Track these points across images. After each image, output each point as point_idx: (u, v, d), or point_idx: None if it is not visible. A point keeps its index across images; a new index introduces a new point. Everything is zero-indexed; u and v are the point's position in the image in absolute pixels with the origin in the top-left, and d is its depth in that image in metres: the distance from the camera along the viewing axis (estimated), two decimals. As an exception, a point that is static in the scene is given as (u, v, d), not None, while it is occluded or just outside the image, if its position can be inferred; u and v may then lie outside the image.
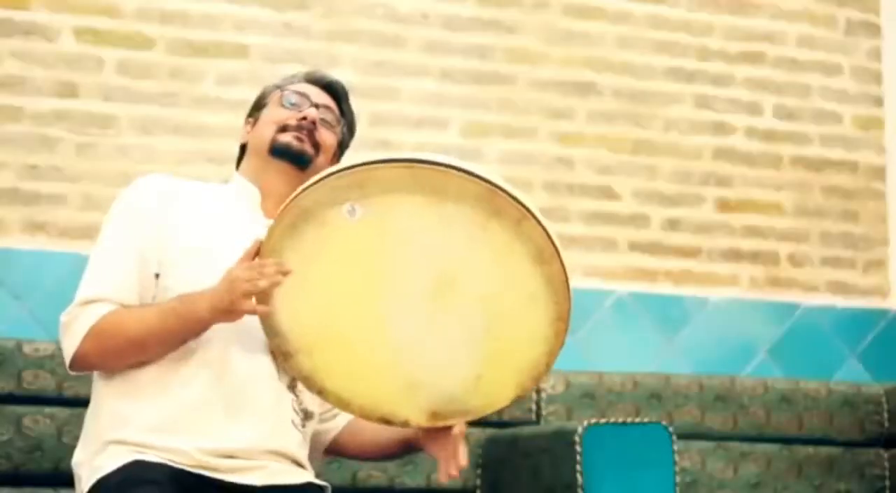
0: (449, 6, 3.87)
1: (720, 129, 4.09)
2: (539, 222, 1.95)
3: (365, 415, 2.19)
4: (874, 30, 4.30)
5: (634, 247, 3.95)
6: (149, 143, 3.52)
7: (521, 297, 2.00)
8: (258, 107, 2.40)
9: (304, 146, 2.29)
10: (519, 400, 2.15)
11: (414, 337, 2.04)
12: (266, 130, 2.32)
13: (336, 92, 2.40)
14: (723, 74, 4.11)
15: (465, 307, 2.00)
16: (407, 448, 2.31)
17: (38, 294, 3.29)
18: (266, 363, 2.18)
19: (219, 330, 2.14)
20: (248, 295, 2.03)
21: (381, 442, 2.35)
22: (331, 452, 2.41)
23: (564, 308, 2.02)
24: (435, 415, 2.13)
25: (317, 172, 2.24)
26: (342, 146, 2.42)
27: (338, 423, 2.39)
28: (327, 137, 2.34)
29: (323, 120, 2.33)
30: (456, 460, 2.16)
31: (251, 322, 2.12)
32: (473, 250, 1.95)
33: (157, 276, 2.19)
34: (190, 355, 2.15)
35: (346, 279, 2.02)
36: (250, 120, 2.40)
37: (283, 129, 2.30)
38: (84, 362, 2.17)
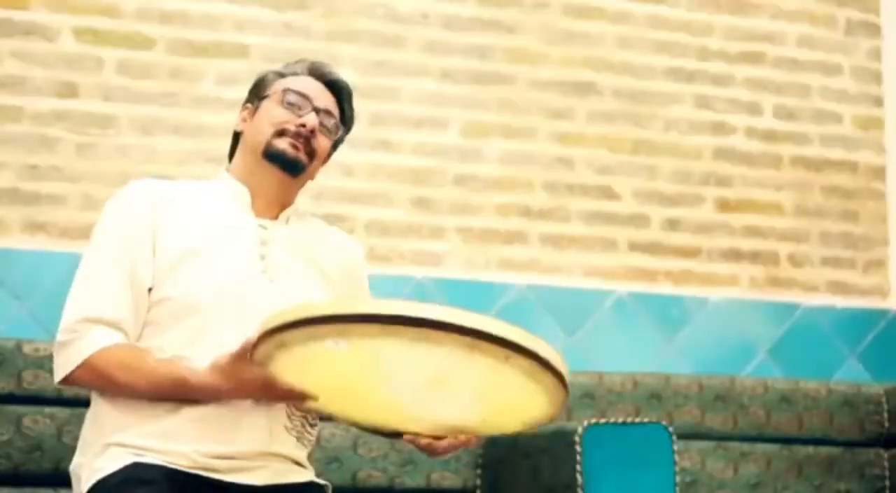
0: (449, 6, 3.87)
1: (720, 129, 4.09)
2: (528, 353, 1.82)
3: (372, 431, 2.21)
4: (874, 30, 4.30)
5: (634, 247, 3.95)
6: (149, 143, 3.53)
7: (515, 394, 1.92)
8: (257, 94, 2.34)
9: (299, 154, 2.26)
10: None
11: (411, 400, 1.99)
12: (263, 129, 2.27)
13: (339, 91, 2.35)
14: (723, 74, 4.11)
15: (459, 398, 1.95)
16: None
17: (38, 294, 3.30)
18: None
19: (217, 347, 2.11)
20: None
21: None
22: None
23: (560, 399, 1.92)
24: (442, 431, 2.09)
25: (305, 178, 2.30)
26: (336, 143, 2.38)
27: None
28: (323, 144, 2.30)
29: (322, 126, 2.28)
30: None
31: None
32: (463, 369, 1.87)
33: (150, 290, 2.17)
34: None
35: (339, 375, 1.97)
36: (248, 106, 2.34)
37: (281, 133, 2.25)
38: (74, 384, 2.17)
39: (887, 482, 3.72)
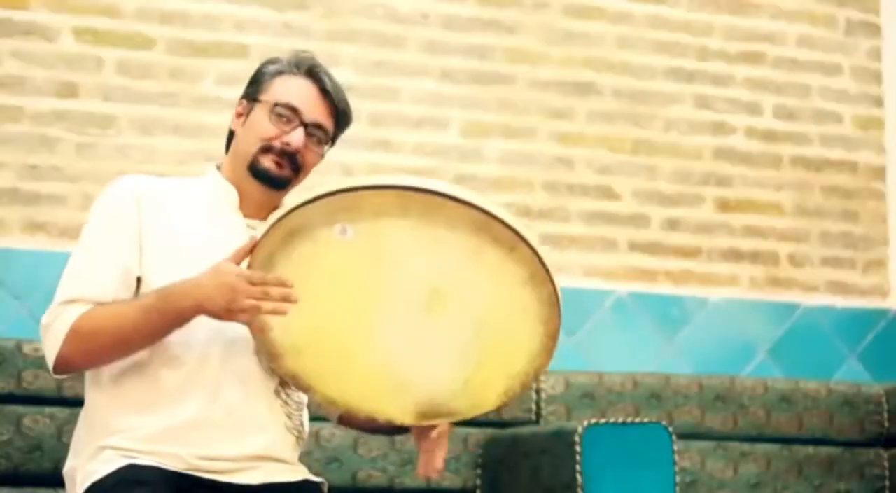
0: (449, 6, 3.87)
1: (720, 129, 4.10)
2: (532, 248, 1.93)
3: (351, 413, 2.20)
4: (874, 30, 4.30)
5: (634, 247, 3.95)
6: (149, 143, 3.53)
7: (512, 313, 1.99)
8: (254, 91, 2.28)
9: (283, 172, 2.22)
10: (502, 407, 2.13)
11: (403, 344, 2.03)
12: (250, 141, 2.23)
13: (333, 100, 2.26)
14: (723, 74, 4.12)
15: (456, 320, 1.99)
16: (400, 430, 2.27)
17: (38, 294, 3.29)
18: (258, 378, 2.16)
19: (210, 344, 2.12)
20: (247, 313, 2.01)
21: (375, 426, 2.33)
22: (342, 423, 2.38)
23: (554, 326, 2.00)
24: (420, 415, 2.11)
25: (296, 185, 2.26)
26: (333, 140, 2.31)
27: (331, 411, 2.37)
28: (312, 157, 2.25)
29: (310, 138, 2.23)
30: (433, 462, 2.15)
31: (242, 332, 2.10)
32: (465, 270, 1.93)
33: (139, 280, 2.16)
34: (180, 367, 2.13)
35: (337, 292, 2.00)
36: (243, 103, 2.29)
37: (267, 149, 2.21)
38: (67, 364, 2.13)
39: (887, 482, 3.73)
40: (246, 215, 2.25)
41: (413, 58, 3.82)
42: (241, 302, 2.00)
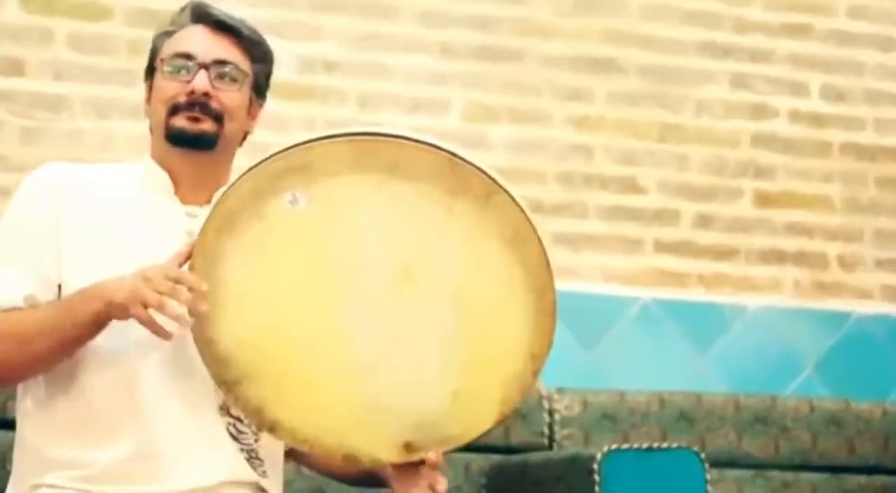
0: (449, -29, 3.86)
1: (760, 112, 4.10)
2: (510, 196, 1.92)
3: (327, 453, 2.15)
4: (936, -2, 4.30)
5: (661, 247, 3.95)
6: (105, 127, 3.52)
7: (497, 289, 1.96)
8: (151, 64, 2.27)
9: (202, 126, 2.19)
10: (502, 422, 2.10)
11: (377, 349, 2.00)
12: (157, 110, 2.22)
13: (230, 28, 2.24)
14: (763, 50, 4.12)
15: (435, 306, 1.97)
16: (371, 480, 2.26)
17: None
18: (203, 393, 2.13)
19: (143, 357, 2.10)
20: (148, 306, 1.98)
21: (352, 472, 2.31)
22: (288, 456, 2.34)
23: (548, 299, 1.98)
24: (408, 447, 2.07)
25: (228, 145, 2.24)
26: (259, 87, 2.30)
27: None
28: (229, 99, 2.21)
29: (219, 80, 2.20)
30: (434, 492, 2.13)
31: (190, 356, 2.09)
32: (438, 236, 1.93)
33: (59, 287, 2.14)
34: (112, 384, 2.10)
35: (293, 284, 1.98)
36: (147, 85, 2.28)
37: (174, 109, 2.19)
38: None
39: (948, 515, 3.73)
40: (184, 202, 2.22)
41: (407, 30, 3.81)
42: (146, 293, 1.98)
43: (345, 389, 2.04)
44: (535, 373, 2.05)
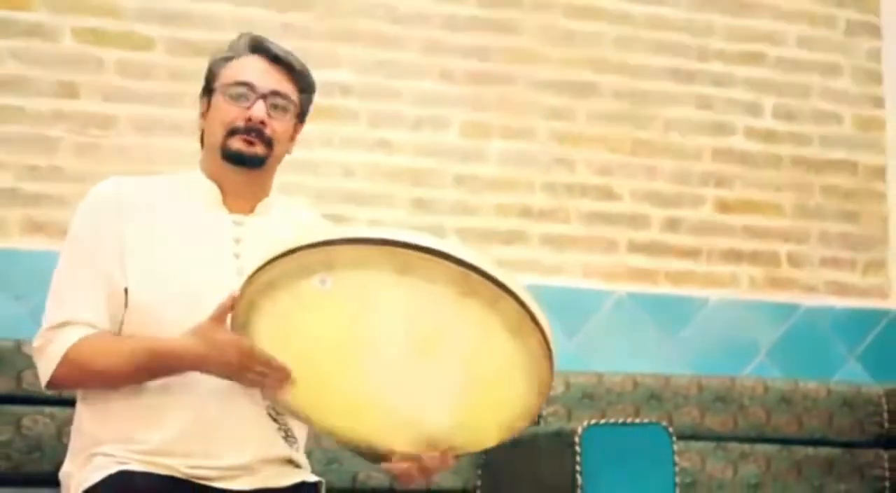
0: (448, 6, 3.86)
1: (720, 129, 4.10)
2: (517, 299, 1.84)
3: (350, 446, 2.16)
4: (874, 31, 4.30)
5: (634, 247, 3.95)
6: (149, 143, 3.52)
7: (501, 365, 1.91)
8: (208, 85, 2.28)
9: (255, 149, 2.20)
10: (506, 440, 2.09)
11: (394, 384, 1.96)
12: (216, 131, 2.22)
13: (284, 62, 2.24)
14: (723, 75, 4.11)
15: (445, 366, 1.92)
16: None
17: (38, 295, 3.27)
18: (246, 393, 2.12)
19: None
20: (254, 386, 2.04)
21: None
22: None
23: (545, 380, 1.92)
24: (422, 446, 2.05)
25: (273, 164, 2.25)
26: (301, 114, 2.30)
27: None
28: (279, 127, 2.22)
29: (273, 109, 2.21)
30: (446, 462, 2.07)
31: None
32: (450, 321, 1.86)
33: (126, 290, 2.13)
34: (166, 388, 2.11)
35: (323, 340, 1.96)
36: (203, 100, 2.29)
37: (232, 132, 2.19)
38: (59, 386, 2.15)
39: (887, 483, 3.73)
40: (231, 211, 2.23)
41: (413, 58, 3.81)
42: (243, 380, 2.02)
43: (366, 406, 2.02)
44: (531, 421, 2.02)
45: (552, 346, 1.89)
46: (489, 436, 2.04)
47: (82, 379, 2.12)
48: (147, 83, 3.55)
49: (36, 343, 2.15)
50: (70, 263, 2.18)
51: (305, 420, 2.13)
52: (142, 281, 2.12)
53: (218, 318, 2.00)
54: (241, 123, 2.19)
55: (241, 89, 2.20)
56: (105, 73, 3.52)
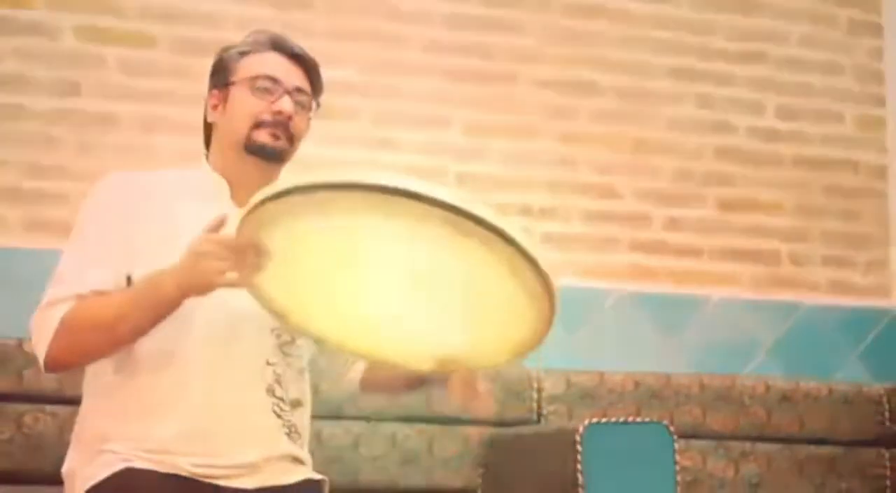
0: (451, 5, 3.86)
1: (722, 128, 4.09)
2: (509, 239, 1.80)
3: (370, 363, 2.17)
4: (876, 29, 4.29)
5: (636, 246, 3.95)
6: (150, 141, 3.51)
7: (499, 303, 1.90)
8: (222, 79, 2.24)
9: (280, 143, 2.19)
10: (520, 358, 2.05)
11: (402, 309, 1.97)
12: (240, 123, 2.19)
13: (306, 62, 2.24)
14: (724, 74, 4.10)
15: (447, 297, 1.92)
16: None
17: (40, 293, 3.28)
18: (250, 380, 2.13)
19: (201, 349, 2.10)
20: (221, 274, 1.96)
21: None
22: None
23: (546, 312, 1.88)
24: (439, 364, 2.04)
25: (288, 161, 2.23)
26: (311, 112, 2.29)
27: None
28: (301, 124, 2.22)
29: (296, 105, 2.20)
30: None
31: (240, 340, 2.10)
32: (444, 260, 1.84)
33: (129, 279, 2.13)
34: (170, 376, 2.10)
35: (324, 266, 1.94)
36: (215, 93, 2.26)
37: (259, 124, 2.18)
38: (56, 360, 2.11)
39: (888, 482, 3.73)
40: (239, 205, 2.15)
41: (415, 57, 3.80)
42: (211, 265, 1.95)
43: (377, 325, 2.03)
44: (535, 342, 1.98)
45: (552, 284, 1.85)
46: (500, 357, 2.02)
47: (79, 343, 2.08)
48: (148, 81, 3.54)
49: (33, 323, 2.13)
50: (73, 249, 2.17)
51: (319, 340, 2.11)
52: (146, 270, 2.09)
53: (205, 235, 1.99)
54: (268, 117, 2.17)
55: (267, 83, 2.18)
56: (106, 70, 3.52)
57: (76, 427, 2.19)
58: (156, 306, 2.04)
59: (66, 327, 2.07)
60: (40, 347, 2.11)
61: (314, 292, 2.01)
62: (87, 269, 2.12)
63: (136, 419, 2.09)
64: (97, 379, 2.15)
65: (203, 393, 2.10)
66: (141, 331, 2.07)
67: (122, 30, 3.54)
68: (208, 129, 2.30)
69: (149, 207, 2.17)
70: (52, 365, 2.12)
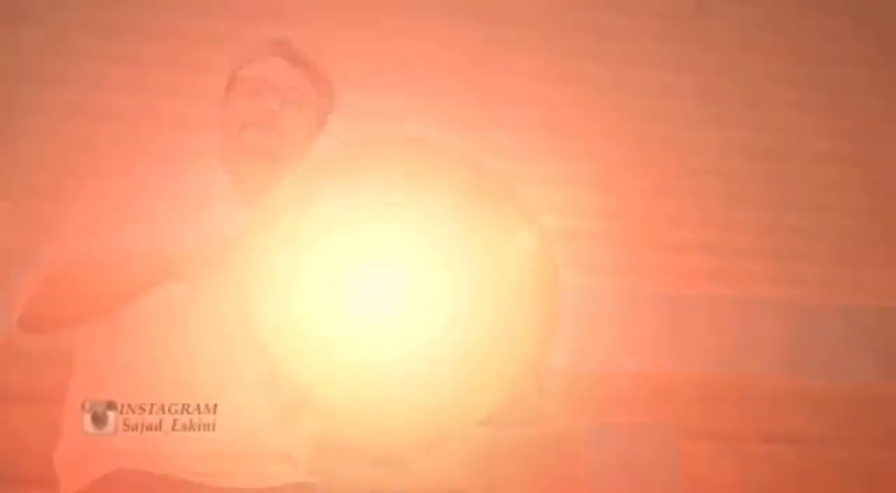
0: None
1: (726, 123, 4.07)
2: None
3: None
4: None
5: (640, 243, 3.92)
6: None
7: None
8: (229, 84, 2.29)
9: (269, 140, 2.20)
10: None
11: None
12: (231, 124, 2.23)
13: (304, 64, 2.26)
14: (729, 66, 4.09)
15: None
16: None
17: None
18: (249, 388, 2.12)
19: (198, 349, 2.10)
20: None
21: None
22: None
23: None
24: None
25: (287, 159, 2.22)
26: (320, 115, 2.29)
27: None
28: (294, 119, 2.22)
29: (290, 105, 2.22)
30: None
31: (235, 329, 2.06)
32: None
33: None
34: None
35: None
36: (223, 98, 2.29)
37: (246, 125, 2.20)
38: (36, 318, 2.09)
39: (898, 484, 3.73)
40: (244, 205, 2.21)
41: (413, 52, 3.79)
42: None
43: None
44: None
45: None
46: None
47: (59, 299, 2.07)
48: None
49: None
50: None
51: None
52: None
53: None
54: (254, 117, 2.20)
55: (257, 85, 2.22)
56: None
57: (65, 428, 2.16)
58: (139, 270, 2.05)
59: (49, 280, 2.06)
60: (22, 299, 2.09)
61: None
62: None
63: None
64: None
65: (196, 395, 2.07)
66: (124, 295, 2.06)
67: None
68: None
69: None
70: (29, 321, 2.10)
